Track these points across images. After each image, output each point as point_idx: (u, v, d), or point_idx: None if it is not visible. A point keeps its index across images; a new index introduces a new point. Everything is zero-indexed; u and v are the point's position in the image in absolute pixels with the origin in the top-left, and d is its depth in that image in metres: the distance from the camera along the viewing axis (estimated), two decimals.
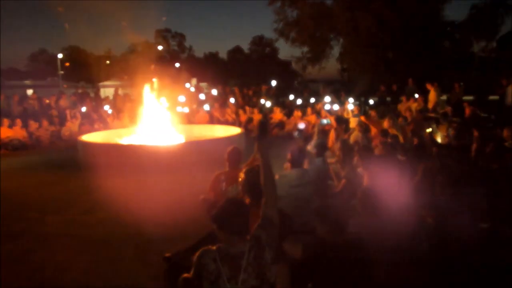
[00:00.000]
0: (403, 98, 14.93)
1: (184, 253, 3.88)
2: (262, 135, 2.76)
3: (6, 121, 12.61)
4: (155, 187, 7.38)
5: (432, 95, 14.33)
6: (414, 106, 13.52)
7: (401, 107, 14.35)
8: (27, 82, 32.89)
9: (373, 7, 20.08)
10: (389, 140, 7.54)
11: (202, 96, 18.27)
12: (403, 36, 20.27)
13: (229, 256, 2.40)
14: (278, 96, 19.61)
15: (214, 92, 19.30)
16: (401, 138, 8.33)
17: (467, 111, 12.28)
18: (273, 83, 20.06)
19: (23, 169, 9.59)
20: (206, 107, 16.27)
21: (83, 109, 15.30)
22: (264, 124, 2.98)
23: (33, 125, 13.34)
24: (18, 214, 6.09)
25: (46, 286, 4.00)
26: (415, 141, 7.91)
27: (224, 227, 2.46)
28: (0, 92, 15.98)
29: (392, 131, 8.56)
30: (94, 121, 14.64)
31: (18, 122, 12.90)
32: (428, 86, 14.52)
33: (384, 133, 8.36)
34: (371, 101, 15.55)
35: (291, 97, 18.77)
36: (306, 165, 5.00)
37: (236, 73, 32.84)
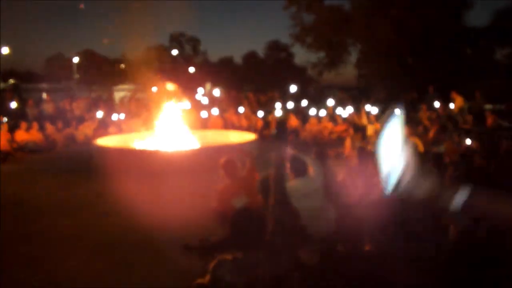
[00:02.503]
0: (424, 106, 14.58)
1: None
2: (281, 134, 2.70)
3: (23, 124, 12.73)
4: (169, 192, 7.34)
5: (459, 103, 13.97)
6: (434, 115, 13.17)
7: (422, 115, 14.00)
8: (43, 85, 33.36)
9: (392, 12, 19.77)
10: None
11: (216, 100, 18.18)
12: (423, 42, 19.90)
13: (245, 267, 2.36)
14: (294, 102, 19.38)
15: (224, 93, 19.18)
16: (420, 147, 8.12)
17: (489, 120, 11.97)
18: (293, 88, 19.85)
19: (39, 171, 9.69)
20: (220, 112, 16.15)
21: (99, 113, 15.33)
22: (282, 124, 2.88)
23: (49, 128, 13.44)
24: (33, 216, 6.17)
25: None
26: (435, 150, 7.72)
27: (238, 239, 2.56)
28: (23, 97, 16.21)
29: (412, 139, 8.32)
30: (108, 125, 14.64)
31: (35, 125, 13.00)
32: (454, 95, 14.16)
33: None
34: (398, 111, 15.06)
35: (305, 102, 18.52)
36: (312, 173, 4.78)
37: (251, 78, 32.71)
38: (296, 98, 20.18)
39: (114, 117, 15.32)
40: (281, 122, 11.65)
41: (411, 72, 20.74)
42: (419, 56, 20.48)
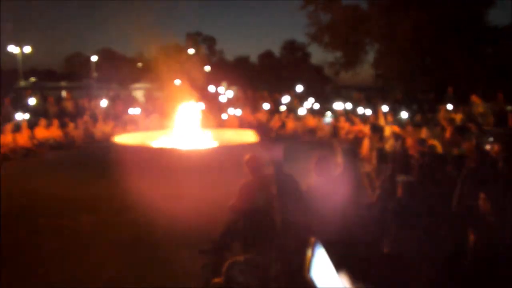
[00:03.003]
0: (442, 107, 14.36)
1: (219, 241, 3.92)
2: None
3: (43, 121, 12.93)
4: (186, 190, 7.40)
5: (479, 106, 13.73)
6: (458, 116, 12.95)
7: (440, 116, 13.79)
8: (63, 83, 33.99)
9: (410, 11, 19.49)
10: (426, 149, 7.26)
11: (232, 100, 18.24)
12: (442, 41, 19.56)
13: (257, 267, 2.39)
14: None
15: (230, 93, 19.20)
16: (439, 148, 8.02)
17: (511, 121, 11.73)
18: (306, 88, 19.78)
19: (59, 168, 9.85)
20: (237, 111, 16.19)
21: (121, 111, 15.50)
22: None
23: (69, 125, 13.64)
24: (54, 212, 6.29)
25: (79, 284, 4.06)
26: (455, 151, 7.58)
27: (249, 239, 2.61)
28: (44, 95, 16.50)
29: (431, 141, 8.22)
30: (126, 122, 14.81)
31: (55, 122, 13.21)
32: (474, 99, 13.91)
33: (421, 142, 8.06)
34: (405, 113, 14.80)
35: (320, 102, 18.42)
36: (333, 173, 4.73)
37: (267, 78, 32.70)
38: (313, 98, 20.12)
39: (132, 115, 15.51)
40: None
41: (429, 72, 20.43)
42: (437, 55, 20.15)
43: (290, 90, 21.67)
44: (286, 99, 18.70)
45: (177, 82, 15.43)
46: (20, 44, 31.64)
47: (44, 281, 4.11)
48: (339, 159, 4.19)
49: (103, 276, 4.18)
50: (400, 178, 4.36)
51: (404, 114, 13.64)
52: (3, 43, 34.48)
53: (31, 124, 12.71)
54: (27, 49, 31.87)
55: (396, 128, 10.35)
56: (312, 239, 1.51)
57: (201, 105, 14.17)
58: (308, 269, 1.44)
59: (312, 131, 14.50)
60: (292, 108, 17.09)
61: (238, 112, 16.26)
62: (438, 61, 20.17)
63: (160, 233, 5.25)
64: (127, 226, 5.62)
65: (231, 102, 18.80)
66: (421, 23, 19.32)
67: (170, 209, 6.17)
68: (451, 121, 11.29)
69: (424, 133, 8.84)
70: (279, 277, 2.39)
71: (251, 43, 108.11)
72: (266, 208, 3.35)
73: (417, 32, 19.57)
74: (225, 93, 21.13)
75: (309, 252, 1.48)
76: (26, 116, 13.74)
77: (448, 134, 9.31)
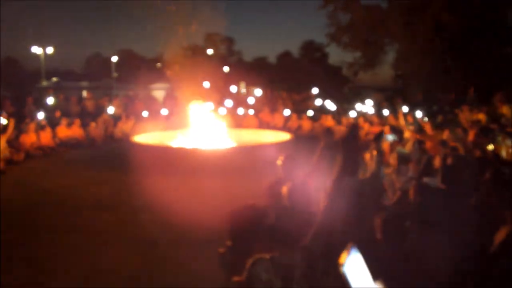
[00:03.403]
0: (464, 108, 14.06)
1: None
2: (350, 139, 2.66)
3: (64, 121, 13.17)
4: (204, 189, 7.47)
5: (505, 110, 13.40)
6: (481, 116, 12.65)
7: (462, 117, 13.51)
8: (83, 83, 34.61)
9: (431, 10, 19.18)
10: (448, 151, 7.12)
11: (251, 100, 18.27)
12: (464, 41, 19.19)
13: (282, 267, 2.36)
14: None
15: (258, 92, 19.19)
16: (461, 150, 7.87)
17: None
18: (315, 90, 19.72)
19: (80, 166, 10.02)
20: (255, 111, 16.20)
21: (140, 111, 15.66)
22: (354, 127, 2.86)
23: (90, 124, 13.87)
24: (75, 210, 6.38)
25: (99, 280, 4.09)
26: (477, 153, 7.40)
27: (275, 238, 2.57)
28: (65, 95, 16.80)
29: (453, 144, 8.07)
30: (145, 122, 14.97)
31: (77, 121, 13.45)
32: (497, 99, 13.58)
33: (443, 144, 7.92)
34: (419, 112, 14.49)
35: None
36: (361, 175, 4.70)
37: (285, 78, 32.64)
38: (331, 98, 20.02)
39: (152, 114, 15.67)
40: (353, 125, 11.35)
41: (450, 72, 20.07)
42: (458, 56, 19.76)
43: (308, 90, 21.58)
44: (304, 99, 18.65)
45: (196, 82, 15.53)
46: (43, 45, 32.46)
47: (62, 276, 4.17)
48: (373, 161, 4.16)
49: (122, 273, 4.22)
50: (423, 180, 4.30)
51: (423, 115, 13.42)
52: (27, 44, 35.35)
53: (53, 123, 12.97)
54: (50, 50, 32.64)
55: (413, 132, 10.17)
56: (349, 244, 1.50)
57: (220, 105, 14.24)
58: (342, 266, 1.43)
59: (330, 131, 14.38)
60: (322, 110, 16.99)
61: (256, 112, 16.26)
62: (459, 61, 19.78)
63: (179, 232, 5.25)
64: (145, 225, 5.65)
65: (249, 102, 18.84)
66: (441, 22, 19.01)
67: (189, 208, 6.21)
68: (475, 122, 11.05)
69: (445, 134, 8.67)
70: (303, 279, 2.33)
71: (269, 43, 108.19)
72: (295, 208, 3.33)
73: (437, 31, 19.25)
74: (244, 93, 21.16)
75: (344, 255, 1.46)
76: (47, 115, 14.02)
77: (471, 135, 9.13)
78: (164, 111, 16.22)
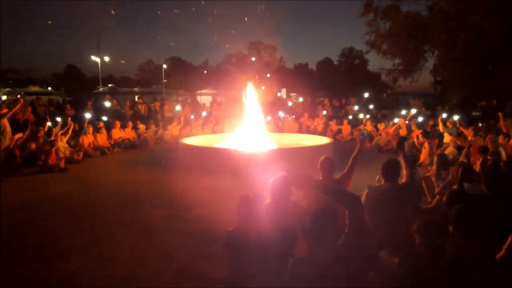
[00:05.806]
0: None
1: None
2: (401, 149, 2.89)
3: (118, 123, 13.87)
4: (249, 188, 7.65)
5: None
6: None
7: (504, 123, 13.40)
8: (136, 89, 36.24)
9: (472, 17, 18.97)
10: (489, 157, 7.13)
11: (289, 104, 18.64)
12: (504, 47, 18.81)
13: (322, 263, 2.44)
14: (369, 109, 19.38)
15: (300, 99, 19.51)
16: (503, 156, 7.78)
17: None
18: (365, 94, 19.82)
19: (133, 166, 10.47)
20: (295, 116, 16.62)
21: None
22: (403, 140, 3.12)
23: (142, 127, 14.80)
24: (129, 206, 6.63)
25: (151, 273, 4.23)
26: None
27: (313, 238, 2.54)
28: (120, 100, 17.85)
29: (494, 148, 8.06)
30: (193, 125, 15.76)
31: (130, 124, 14.27)
32: None
33: (483, 150, 7.90)
34: (457, 117, 14.19)
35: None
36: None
37: (325, 84, 32.94)
38: (370, 104, 20.20)
39: (199, 118, 16.45)
40: (402, 139, 11.37)
41: (491, 78, 19.67)
42: (499, 62, 19.36)
43: (352, 97, 21.70)
44: (345, 105, 18.82)
45: (241, 88, 16.22)
46: (100, 54, 34.95)
47: (116, 268, 4.32)
48: (404, 166, 4.18)
49: (174, 266, 4.37)
50: (465, 186, 4.40)
51: (462, 121, 13.38)
52: (87, 53, 37.98)
53: (108, 126, 13.69)
54: (106, 58, 35.07)
55: (453, 137, 10.23)
56: None
57: (263, 110, 14.76)
58: None
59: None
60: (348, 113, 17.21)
61: (297, 117, 16.73)
62: (499, 67, 19.36)
63: (227, 227, 5.55)
64: (196, 220, 5.78)
65: (291, 108, 19.37)
66: (482, 29, 18.75)
67: (235, 205, 6.42)
68: None
69: (487, 140, 8.61)
70: (340, 278, 2.41)
71: (310, 50, 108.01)
72: (333, 209, 3.16)
73: (478, 38, 19.05)
74: (285, 98, 21.71)
75: None
76: (104, 118, 15.00)
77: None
78: (210, 115, 16.92)
